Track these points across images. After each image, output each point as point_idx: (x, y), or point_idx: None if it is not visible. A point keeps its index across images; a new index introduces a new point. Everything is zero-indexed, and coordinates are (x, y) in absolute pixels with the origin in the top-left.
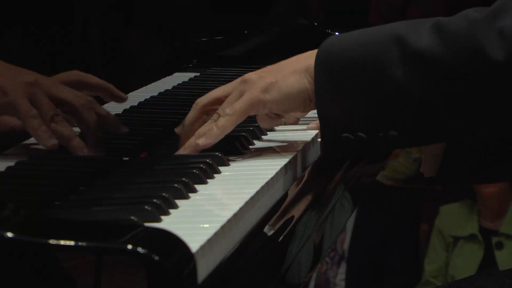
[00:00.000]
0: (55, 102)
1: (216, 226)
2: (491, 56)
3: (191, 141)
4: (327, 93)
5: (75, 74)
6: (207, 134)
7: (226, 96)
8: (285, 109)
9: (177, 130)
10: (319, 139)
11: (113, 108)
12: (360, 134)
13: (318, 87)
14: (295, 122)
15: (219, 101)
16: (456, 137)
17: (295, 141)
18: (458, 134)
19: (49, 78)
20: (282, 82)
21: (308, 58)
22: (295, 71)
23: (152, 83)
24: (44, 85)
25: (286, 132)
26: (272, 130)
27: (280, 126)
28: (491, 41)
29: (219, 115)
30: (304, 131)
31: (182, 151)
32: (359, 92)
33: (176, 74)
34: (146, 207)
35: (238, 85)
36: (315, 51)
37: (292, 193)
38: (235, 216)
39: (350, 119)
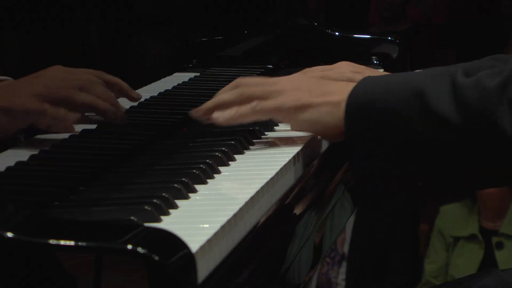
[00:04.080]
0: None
1: (216, 226)
2: (503, 130)
3: (209, 102)
4: (355, 140)
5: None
6: (224, 114)
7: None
8: (307, 131)
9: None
10: (319, 136)
11: None
12: (390, 181)
13: (347, 132)
14: None
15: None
16: (472, 190)
17: (295, 142)
18: (473, 188)
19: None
20: (315, 110)
21: (343, 94)
22: (329, 103)
23: (152, 83)
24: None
25: (285, 132)
26: (271, 130)
27: (279, 127)
28: (503, 114)
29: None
30: (303, 132)
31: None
32: (386, 142)
33: (176, 74)
34: (146, 207)
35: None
36: (346, 88)
37: (291, 193)
38: (235, 216)
39: (380, 167)
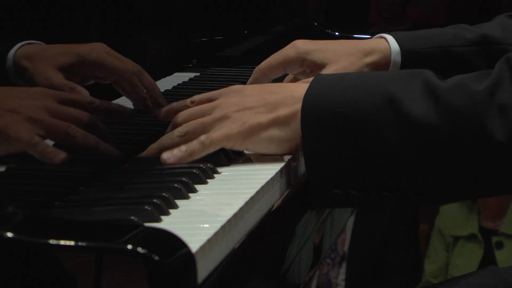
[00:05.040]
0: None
1: (216, 226)
2: (492, 135)
3: (153, 146)
4: (316, 147)
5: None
6: (175, 155)
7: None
8: (263, 153)
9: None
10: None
11: None
12: (351, 191)
13: (306, 140)
14: None
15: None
16: (448, 201)
17: None
18: (450, 199)
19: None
20: (264, 131)
21: (293, 104)
22: (277, 120)
23: None
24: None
25: None
26: None
27: None
28: (492, 119)
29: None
30: None
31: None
32: (351, 150)
33: (176, 74)
34: (146, 207)
35: (221, 107)
36: (299, 96)
37: (291, 193)
38: (235, 216)
39: (341, 175)
